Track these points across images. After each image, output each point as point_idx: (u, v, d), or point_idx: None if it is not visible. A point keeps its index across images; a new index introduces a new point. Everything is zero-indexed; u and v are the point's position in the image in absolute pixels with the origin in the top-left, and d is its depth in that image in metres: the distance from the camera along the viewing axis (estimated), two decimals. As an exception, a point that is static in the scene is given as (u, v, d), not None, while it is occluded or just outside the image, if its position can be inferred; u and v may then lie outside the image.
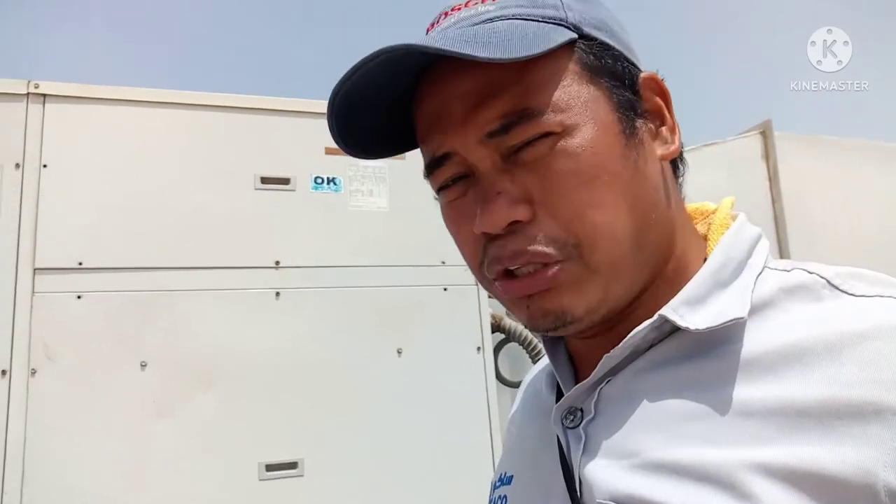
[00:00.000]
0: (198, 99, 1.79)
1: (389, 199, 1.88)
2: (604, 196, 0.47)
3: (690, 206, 0.59)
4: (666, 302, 0.49)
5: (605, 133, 0.48)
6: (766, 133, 2.52)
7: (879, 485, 0.38)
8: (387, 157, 0.57)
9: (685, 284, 0.50)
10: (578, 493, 0.49)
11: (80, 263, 1.69)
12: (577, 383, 0.54)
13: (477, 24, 0.49)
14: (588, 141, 0.48)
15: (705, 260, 0.52)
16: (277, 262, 1.79)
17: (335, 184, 1.86)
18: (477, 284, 1.91)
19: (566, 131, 0.47)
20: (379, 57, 0.45)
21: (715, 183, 2.43)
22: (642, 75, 0.53)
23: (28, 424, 1.61)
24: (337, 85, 0.48)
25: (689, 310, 0.48)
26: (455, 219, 0.52)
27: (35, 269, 1.66)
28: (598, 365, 0.50)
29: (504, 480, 0.60)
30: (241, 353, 1.75)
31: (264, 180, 1.80)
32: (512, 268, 0.49)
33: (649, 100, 0.53)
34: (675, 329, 0.49)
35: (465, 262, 0.54)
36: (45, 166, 1.69)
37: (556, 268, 0.48)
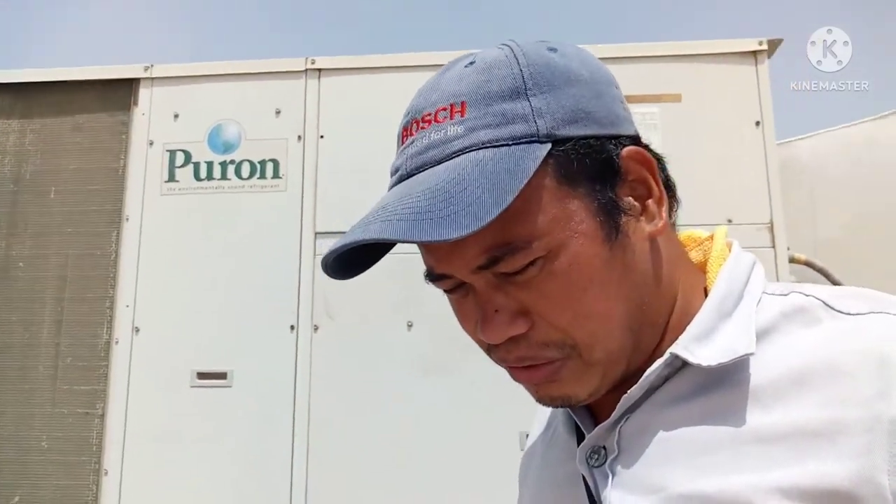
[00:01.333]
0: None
1: (663, 147, 1.79)
2: (595, 305, 0.49)
3: (682, 234, 0.60)
4: (673, 340, 0.52)
5: (589, 245, 0.49)
6: None
7: (887, 494, 0.40)
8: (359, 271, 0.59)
9: (691, 319, 0.52)
10: None
11: (353, 227, 1.80)
12: (596, 423, 0.56)
13: (444, 158, 0.48)
14: (573, 258, 0.49)
15: (705, 290, 0.54)
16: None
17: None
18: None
19: (552, 253, 0.48)
20: (345, 247, 0.49)
21: None
22: (624, 153, 0.51)
23: (312, 375, 1.74)
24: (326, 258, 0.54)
25: (699, 345, 0.50)
26: (459, 313, 0.55)
27: (316, 233, 1.80)
28: (618, 405, 0.52)
29: None
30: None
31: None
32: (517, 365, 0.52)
33: (635, 172, 0.52)
34: (686, 363, 0.50)
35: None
36: (322, 137, 1.83)
37: (558, 364, 0.51)
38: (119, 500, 1.72)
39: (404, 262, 1.77)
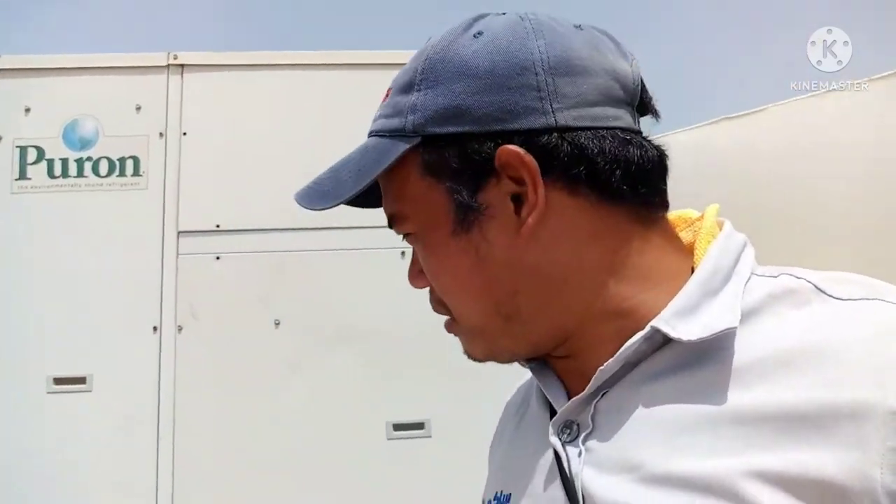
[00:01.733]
0: (327, 59, 1.85)
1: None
2: (448, 285, 0.57)
3: (672, 214, 0.60)
4: (621, 330, 0.52)
5: (438, 236, 0.55)
6: None
7: (878, 487, 0.39)
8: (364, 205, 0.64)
9: (650, 306, 0.52)
10: None
11: (218, 226, 1.80)
12: (569, 398, 0.55)
13: (369, 135, 0.58)
14: (427, 243, 0.56)
15: (692, 269, 0.54)
16: (403, 222, 1.83)
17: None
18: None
19: (417, 234, 0.57)
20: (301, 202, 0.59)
21: (854, 135, 2.24)
22: (499, 152, 0.51)
23: (177, 377, 1.73)
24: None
25: (681, 320, 0.49)
26: None
27: (179, 232, 1.78)
28: (592, 378, 0.51)
29: (500, 499, 0.63)
30: (368, 314, 1.80)
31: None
32: None
33: (513, 171, 0.52)
34: (668, 340, 0.50)
35: None
36: (184, 134, 1.81)
37: (450, 323, 0.59)
38: (-31, 513, 1.66)
39: (270, 260, 1.79)
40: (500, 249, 0.54)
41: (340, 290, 1.80)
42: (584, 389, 0.53)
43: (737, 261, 0.53)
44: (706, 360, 0.49)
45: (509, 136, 0.52)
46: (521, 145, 0.51)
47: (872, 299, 0.46)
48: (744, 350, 0.48)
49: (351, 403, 1.77)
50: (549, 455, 0.55)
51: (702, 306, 0.50)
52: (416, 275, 0.59)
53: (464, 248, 0.54)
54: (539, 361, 0.60)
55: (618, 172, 0.52)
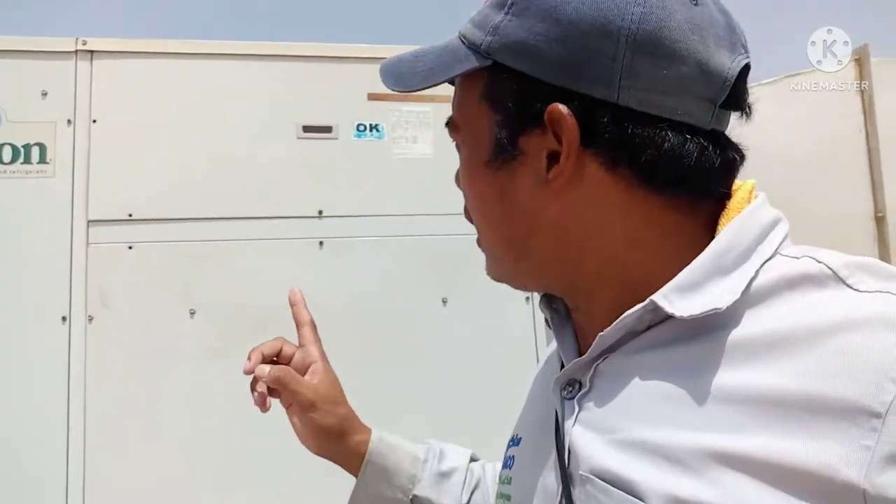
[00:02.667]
0: (239, 49, 1.87)
1: (434, 146, 1.94)
2: (474, 202, 0.62)
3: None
4: (627, 299, 0.53)
5: (475, 158, 0.59)
6: (861, 60, 2.31)
7: (859, 488, 0.39)
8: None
9: (657, 279, 0.51)
10: (567, 463, 0.54)
11: (130, 215, 1.80)
12: (579, 356, 0.58)
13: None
14: (466, 162, 0.61)
15: None
16: (320, 212, 1.88)
17: (378, 131, 1.92)
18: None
19: (462, 145, 0.61)
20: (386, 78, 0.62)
21: (799, 122, 2.30)
22: (548, 108, 0.51)
23: (87, 368, 1.73)
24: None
25: (680, 296, 0.50)
26: None
27: (88, 221, 1.77)
28: (594, 343, 0.54)
29: (515, 441, 0.68)
30: (284, 303, 1.84)
31: (306, 129, 1.88)
32: None
33: (556, 131, 0.52)
34: (669, 316, 0.50)
35: None
36: (94, 121, 1.80)
37: (477, 238, 0.64)
38: None
39: (185, 249, 1.80)
40: (522, 196, 0.56)
41: (257, 280, 1.84)
42: (589, 348, 0.56)
43: (761, 239, 0.52)
44: (701, 337, 0.49)
45: (569, 95, 0.51)
46: (574, 109, 0.51)
47: (886, 292, 0.45)
48: (741, 330, 0.48)
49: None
50: (552, 408, 0.59)
51: (707, 284, 0.50)
52: (458, 179, 0.64)
53: (491, 181, 0.58)
54: (561, 314, 0.63)
55: (663, 167, 0.51)
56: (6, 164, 1.75)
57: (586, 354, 0.55)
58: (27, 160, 1.76)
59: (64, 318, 1.74)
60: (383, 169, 1.92)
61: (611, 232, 0.54)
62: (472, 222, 0.64)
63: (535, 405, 0.67)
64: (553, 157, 0.53)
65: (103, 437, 1.71)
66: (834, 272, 0.47)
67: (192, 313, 1.80)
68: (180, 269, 1.80)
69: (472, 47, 0.56)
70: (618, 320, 0.52)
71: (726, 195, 0.55)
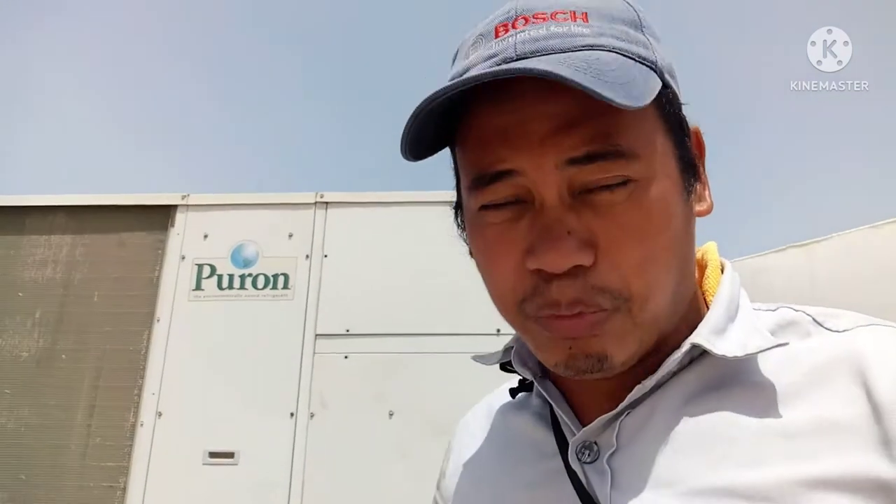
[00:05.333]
0: (433, 197, 2.41)
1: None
2: (663, 253, 0.48)
3: None
4: (654, 347, 0.51)
5: (672, 189, 0.49)
6: None
7: None
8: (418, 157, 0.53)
9: (696, 319, 0.52)
10: None
11: (348, 330, 2.29)
12: (578, 417, 0.54)
13: (576, 49, 0.47)
14: (662, 194, 0.48)
15: (702, 295, 0.57)
16: (498, 331, 2.28)
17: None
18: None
19: (645, 181, 0.47)
20: (505, 74, 0.44)
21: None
22: (691, 128, 0.54)
23: (307, 455, 2.16)
24: (441, 91, 0.45)
25: (717, 339, 0.50)
26: (497, 243, 0.50)
27: (316, 335, 2.28)
28: (629, 395, 0.50)
29: None
30: (465, 406, 2.21)
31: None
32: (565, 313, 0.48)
33: (693, 150, 0.54)
34: (693, 360, 0.51)
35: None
36: (325, 256, 2.36)
37: (605, 315, 0.47)
38: (133, 565, 2.07)
39: (388, 359, 2.25)
40: (693, 224, 0.52)
41: (443, 387, 2.23)
42: (598, 407, 0.52)
43: (739, 293, 0.56)
44: (738, 379, 0.50)
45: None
46: None
47: (867, 325, 0.50)
48: (771, 369, 0.49)
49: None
50: (560, 479, 0.52)
51: (728, 329, 0.51)
52: (577, 248, 0.46)
53: (684, 212, 0.50)
54: (544, 379, 0.58)
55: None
56: (259, 289, 2.33)
57: (617, 408, 0.50)
58: (275, 287, 2.33)
59: (292, 414, 2.20)
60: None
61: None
62: (602, 300, 0.47)
63: (515, 486, 0.57)
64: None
65: (316, 517, 2.10)
66: (813, 318, 0.52)
67: (391, 414, 2.21)
68: (383, 376, 2.24)
69: (646, 63, 0.49)
70: (663, 367, 0.49)
71: None
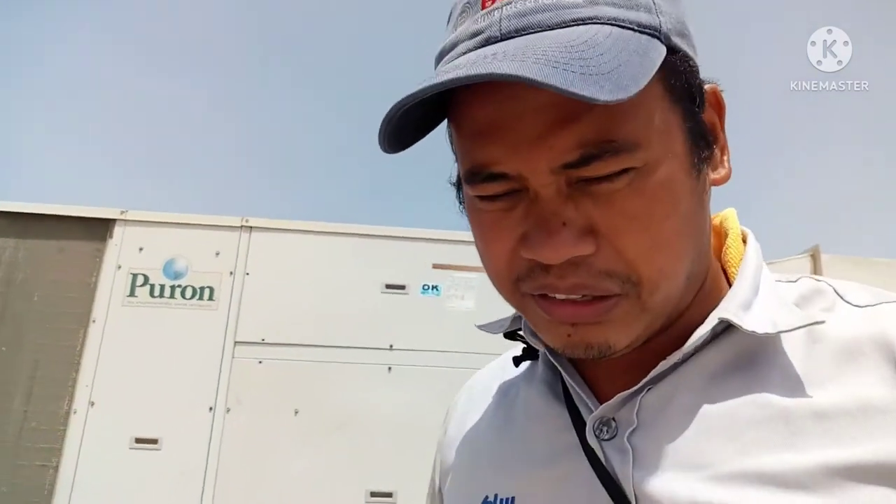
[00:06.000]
0: (346, 229, 2.84)
1: (476, 303, 2.83)
2: (672, 237, 0.46)
3: None
4: (668, 330, 0.50)
5: (679, 171, 0.46)
6: (815, 256, 2.87)
7: None
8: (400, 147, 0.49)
9: (718, 293, 0.51)
10: None
11: (263, 339, 2.70)
12: (594, 393, 0.53)
13: (566, 24, 0.44)
14: (666, 180, 0.45)
15: (722, 268, 0.54)
16: (391, 345, 2.75)
17: (437, 290, 2.82)
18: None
19: (648, 167, 0.44)
20: (476, 78, 0.40)
21: None
22: (707, 87, 0.49)
23: (222, 446, 2.56)
24: (421, 91, 0.42)
25: (745, 314, 0.48)
26: (491, 229, 0.48)
27: (235, 342, 2.68)
28: (652, 371, 0.49)
29: (499, 503, 0.55)
30: (362, 409, 2.68)
31: (388, 286, 2.80)
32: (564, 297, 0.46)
33: (709, 112, 0.49)
34: (716, 336, 0.49)
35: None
36: (247, 274, 2.76)
37: (613, 301, 0.46)
38: (62, 533, 2.42)
39: (296, 366, 2.67)
40: (708, 195, 0.50)
41: (342, 391, 2.68)
42: (616, 383, 0.51)
43: (762, 265, 0.53)
44: (764, 355, 0.48)
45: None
46: None
47: (891, 302, 0.49)
48: (799, 347, 0.47)
49: (345, 473, 2.60)
50: (573, 455, 0.51)
51: (753, 303, 0.49)
52: (579, 238, 0.44)
53: (695, 189, 0.47)
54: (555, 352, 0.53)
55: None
56: (188, 299, 2.70)
57: (638, 384, 0.49)
58: (201, 297, 2.70)
59: (210, 408, 2.60)
60: (439, 317, 2.80)
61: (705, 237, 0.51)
62: (610, 285, 0.46)
63: (522, 457, 0.56)
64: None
65: (227, 497, 2.51)
66: (835, 290, 0.51)
67: (296, 413, 2.65)
68: (291, 379, 2.67)
69: (646, 31, 0.44)
70: (688, 342, 0.48)
71: None
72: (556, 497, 0.51)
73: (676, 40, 0.47)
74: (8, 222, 2.72)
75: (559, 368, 0.55)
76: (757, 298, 0.50)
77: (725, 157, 0.51)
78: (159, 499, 2.49)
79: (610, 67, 0.40)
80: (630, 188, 0.45)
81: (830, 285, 0.52)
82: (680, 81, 0.47)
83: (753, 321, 0.48)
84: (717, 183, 0.51)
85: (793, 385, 0.46)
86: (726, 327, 0.49)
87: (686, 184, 0.47)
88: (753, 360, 0.48)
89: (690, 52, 0.48)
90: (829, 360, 0.47)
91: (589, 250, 0.45)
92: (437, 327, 2.80)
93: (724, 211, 0.58)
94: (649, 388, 0.50)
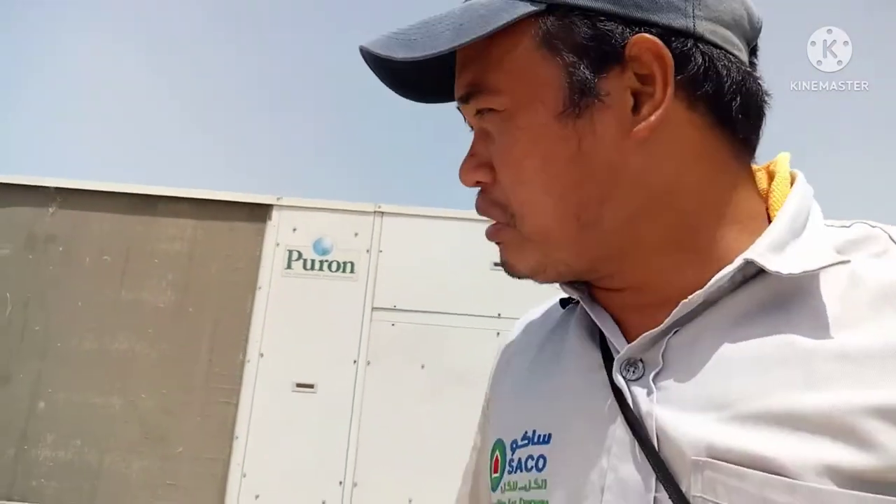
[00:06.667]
0: (465, 215, 3.39)
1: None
2: (533, 175, 0.52)
3: None
4: (695, 263, 0.51)
5: (543, 115, 0.51)
6: None
7: None
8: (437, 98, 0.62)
9: (746, 243, 0.50)
10: (657, 448, 0.48)
11: (395, 306, 3.28)
12: (624, 335, 0.55)
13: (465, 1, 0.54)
14: (526, 122, 0.51)
15: (767, 214, 0.54)
16: (499, 314, 3.29)
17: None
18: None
19: (507, 112, 0.52)
20: (370, 51, 0.53)
21: None
22: (633, 39, 0.49)
23: (364, 392, 3.17)
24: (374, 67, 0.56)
25: (774, 256, 0.48)
26: None
27: (372, 307, 3.27)
28: (673, 312, 0.50)
29: (536, 439, 0.58)
30: (476, 366, 3.24)
31: (495, 264, 3.33)
32: None
33: (644, 64, 0.50)
34: (747, 280, 0.50)
35: None
36: (380, 251, 3.33)
37: (500, 227, 0.56)
38: (244, 459, 3.08)
39: (422, 329, 3.24)
40: (605, 147, 0.51)
41: (459, 351, 3.25)
42: (644, 325, 0.51)
43: (811, 209, 0.53)
44: (795, 299, 0.48)
45: (645, 28, 0.49)
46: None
47: None
48: (835, 289, 0.47)
49: (462, 418, 3.18)
50: (604, 394, 0.53)
51: (789, 246, 0.49)
52: (474, 168, 0.56)
53: (566, 136, 0.51)
54: (586, 294, 0.58)
55: (738, 100, 0.51)
56: (333, 272, 3.29)
57: (661, 326, 0.50)
58: (344, 271, 3.29)
59: (354, 361, 3.20)
60: (538, 290, 3.32)
61: (687, 183, 0.52)
62: (494, 214, 0.56)
63: (558, 396, 0.58)
64: (634, 99, 0.50)
65: (370, 435, 3.13)
66: (890, 236, 0.50)
67: (423, 367, 3.23)
68: (418, 339, 3.25)
69: None
70: (711, 282, 0.49)
71: (755, 148, 0.55)
72: (586, 434, 0.53)
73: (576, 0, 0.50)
74: (189, 206, 3.36)
75: (588, 311, 0.57)
76: (797, 240, 0.50)
77: (656, 113, 0.50)
78: (315, 433, 3.12)
79: (436, 33, 0.51)
80: (498, 130, 0.54)
81: (886, 232, 0.51)
82: (562, 36, 0.50)
83: (781, 262, 0.48)
84: (637, 136, 0.50)
85: (821, 327, 0.46)
86: (759, 271, 0.49)
87: (553, 129, 0.51)
88: (785, 303, 0.48)
89: (599, 5, 0.50)
90: (866, 303, 0.46)
91: (483, 178, 0.56)
92: (538, 299, 3.32)
93: (778, 155, 0.59)
94: (677, 331, 0.51)
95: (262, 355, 3.20)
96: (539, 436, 0.57)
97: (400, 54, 0.51)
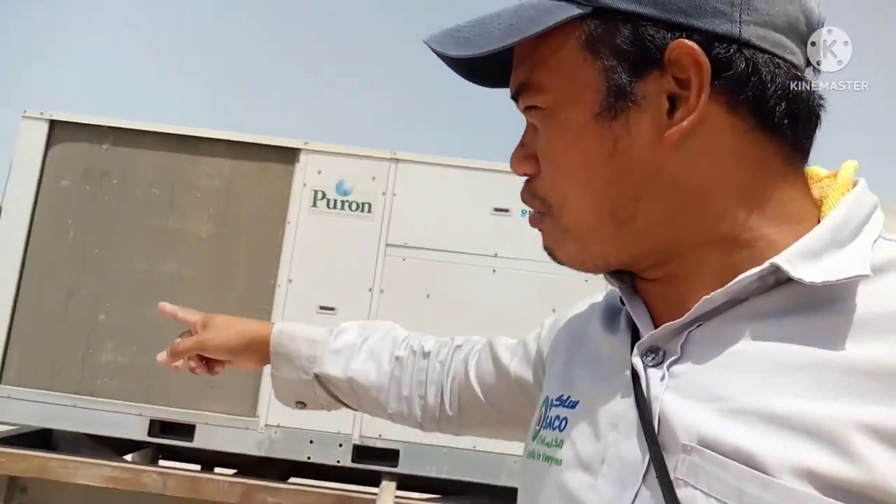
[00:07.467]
0: (474, 164, 3.82)
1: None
2: (572, 170, 0.56)
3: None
4: (733, 261, 0.53)
5: (581, 114, 0.55)
6: None
7: None
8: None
9: (770, 242, 0.52)
10: (656, 431, 0.51)
11: (406, 243, 3.77)
12: (655, 324, 0.58)
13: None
14: (565, 119, 0.56)
15: (819, 220, 0.54)
16: (496, 253, 3.78)
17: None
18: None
19: (549, 109, 0.57)
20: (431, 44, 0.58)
21: None
22: (672, 45, 0.51)
23: (378, 316, 3.70)
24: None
25: (804, 262, 0.49)
26: None
27: (386, 244, 3.76)
28: (694, 307, 0.52)
29: (566, 403, 0.64)
30: (474, 296, 3.77)
31: (495, 209, 3.81)
32: None
33: (681, 70, 0.52)
34: (780, 283, 0.51)
35: None
36: (395, 195, 3.80)
37: (539, 217, 0.62)
38: (273, 365, 3.66)
39: (429, 264, 3.74)
40: (640, 148, 0.54)
41: (463, 286, 3.76)
42: (673, 316, 0.54)
43: (867, 219, 0.52)
44: (821, 307, 0.49)
45: (688, 33, 0.51)
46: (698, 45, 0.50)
47: None
48: (864, 304, 0.47)
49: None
50: (625, 374, 0.57)
51: (826, 253, 0.49)
52: (522, 159, 0.61)
53: (603, 135, 0.54)
54: (627, 283, 0.62)
55: (783, 105, 0.52)
56: (353, 211, 3.77)
57: (681, 319, 0.53)
58: (362, 210, 3.77)
59: (370, 289, 3.72)
60: (533, 234, 3.80)
61: (725, 183, 0.53)
62: (536, 204, 0.62)
63: (592, 370, 0.64)
64: (671, 101, 0.52)
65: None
66: None
67: (428, 296, 3.75)
68: (425, 273, 3.76)
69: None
70: (732, 282, 0.51)
71: (808, 152, 0.56)
72: (605, 407, 0.57)
73: (615, 2, 0.52)
74: (226, 147, 3.80)
75: (625, 300, 0.61)
76: (840, 250, 0.50)
77: (688, 119, 0.51)
78: (335, 348, 3.68)
79: (486, 32, 0.55)
80: (542, 126, 0.58)
81: None
82: (604, 39, 0.53)
83: (807, 270, 0.48)
84: (670, 139, 0.52)
85: (837, 338, 0.46)
86: (789, 277, 0.49)
87: (591, 128, 0.54)
88: (812, 309, 0.49)
89: (642, 10, 0.51)
90: (886, 322, 0.46)
91: (529, 170, 0.61)
92: (530, 241, 3.81)
93: (846, 162, 0.58)
94: (700, 324, 0.53)
95: (290, 281, 3.72)
96: (569, 401, 0.64)
97: (453, 52, 0.57)
